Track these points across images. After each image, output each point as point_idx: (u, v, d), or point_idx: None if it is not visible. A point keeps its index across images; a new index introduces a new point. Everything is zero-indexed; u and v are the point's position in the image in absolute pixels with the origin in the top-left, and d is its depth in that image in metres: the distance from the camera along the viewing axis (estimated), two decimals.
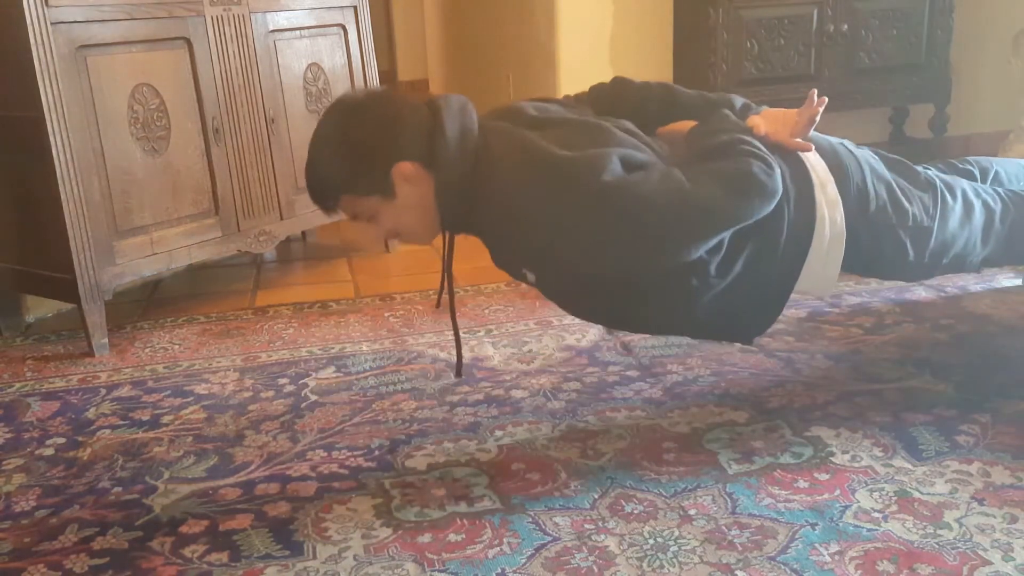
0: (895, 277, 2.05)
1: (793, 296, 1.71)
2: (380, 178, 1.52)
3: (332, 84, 2.97)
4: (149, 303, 2.81)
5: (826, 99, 1.60)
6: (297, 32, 2.85)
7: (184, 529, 1.55)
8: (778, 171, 1.50)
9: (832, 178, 1.65)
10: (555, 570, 1.39)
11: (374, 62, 3.10)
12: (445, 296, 1.75)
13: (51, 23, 2.17)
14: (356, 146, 1.52)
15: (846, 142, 1.79)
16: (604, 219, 1.43)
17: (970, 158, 2.09)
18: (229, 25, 2.62)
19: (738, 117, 1.66)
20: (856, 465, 1.63)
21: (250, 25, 2.68)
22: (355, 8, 3.03)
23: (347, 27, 3.01)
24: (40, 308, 2.70)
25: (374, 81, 3.09)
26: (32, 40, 2.14)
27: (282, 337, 2.43)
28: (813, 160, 1.66)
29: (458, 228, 1.62)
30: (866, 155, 1.76)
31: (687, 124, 1.68)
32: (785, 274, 1.64)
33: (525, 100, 1.70)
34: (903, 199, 1.71)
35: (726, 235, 1.51)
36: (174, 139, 2.50)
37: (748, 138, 1.54)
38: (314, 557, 1.45)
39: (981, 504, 1.49)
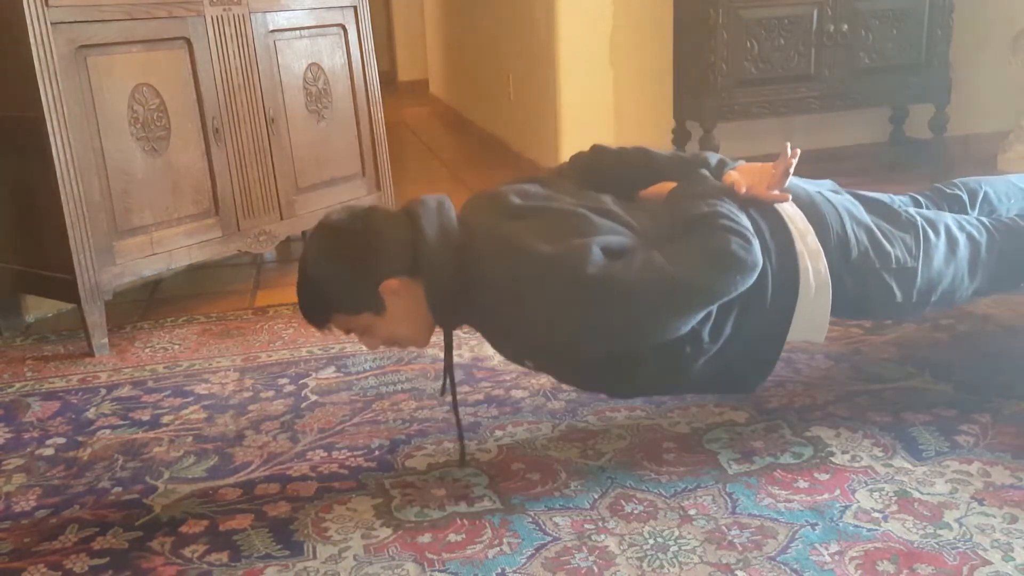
0: (887, 318, 2.05)
1: (789, 346, 1.73)
2: (369, 297, 1.55)
3: (332, 84, 2.97)
4: (149, 303, 2.81)
5: (799, 151, 1.64)
6: (297, 32, 2.85)
7: (184, 529, 1.55)
8: (756, 243, 1.52)
9: (812, 228, 1.67)
10: (555, 570, 1.39)
11: (374, 62, 3.10)
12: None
13: (51, 23, 2.17)
14: (341, 272, 1.55)
15: (823, 189, 1.80)
16: (591, 310, 1.46)
17: (958, 181, 2.10)
18: (229, 25, 2.62)
19: (714, 174, 1.68)
20: (856, 465, 1.63)
21: (250, 25, 2.68)
22: (355, 8, 3.03)
23: (347, 27, 3.01)
24: (40, 308, 2.70)
25: (374, 81, 3.09)
26: (32, 40, 2.14)
27: (282, 337, 2.43)
28: (791, 212, 1.68)
29: (453, 325, 1.66)
30: (844, 201, 1.77)
31: (667, 186, 1.70)
32: (776, 328, 1.66)
33: (508, 184, 1.72)
34: (884, 242, 1.72)
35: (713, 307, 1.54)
36: (174, 139, 2.50)
37: (725, 210, 1.55)
38: (314, 557, 1.45)
39: (981, 504, 1.49)
